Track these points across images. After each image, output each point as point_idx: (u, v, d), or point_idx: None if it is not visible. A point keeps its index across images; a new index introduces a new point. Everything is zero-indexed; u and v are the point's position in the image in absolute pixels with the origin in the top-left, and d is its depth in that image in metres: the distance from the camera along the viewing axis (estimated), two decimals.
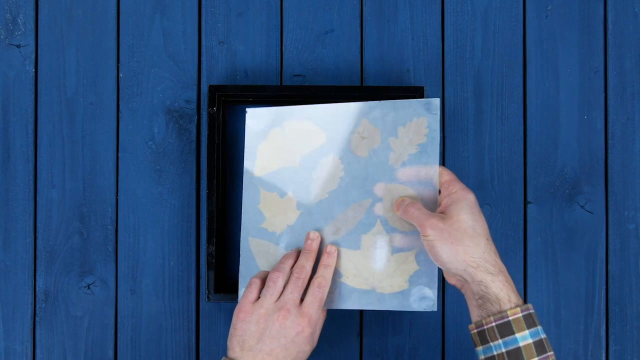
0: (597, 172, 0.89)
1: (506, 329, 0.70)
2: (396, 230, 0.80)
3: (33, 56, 0.89)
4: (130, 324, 0.88)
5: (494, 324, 0.71)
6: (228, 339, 0.76)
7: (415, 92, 0.84)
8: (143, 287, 0.88)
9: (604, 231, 0.89)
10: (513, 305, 0.71)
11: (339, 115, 0.82)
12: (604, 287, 0.89)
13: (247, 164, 0.83)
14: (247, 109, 0.83)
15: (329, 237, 0.82)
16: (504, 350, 0.70)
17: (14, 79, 0.89)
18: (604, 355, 0.89)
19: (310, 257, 0.79)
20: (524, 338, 0.70)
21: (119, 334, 0.88)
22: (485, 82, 0.90)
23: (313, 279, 0.78)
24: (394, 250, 0.80)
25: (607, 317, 0.89)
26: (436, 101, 0.80)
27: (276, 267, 0.78)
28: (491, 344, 0.71)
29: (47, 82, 0.89)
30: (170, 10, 0.90)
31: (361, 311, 0.88)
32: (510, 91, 0.90)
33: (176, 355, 0.88)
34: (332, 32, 0.90)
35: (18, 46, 0.89)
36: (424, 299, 0.79)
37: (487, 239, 0.74)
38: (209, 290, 0.84)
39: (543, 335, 0.71)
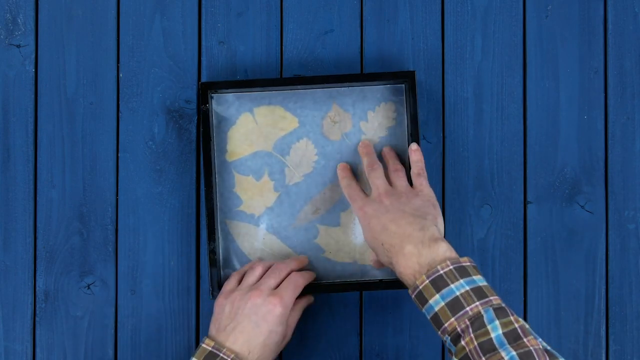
0: (597, 172, 0.89)
1: (421, 298, 0.72)
2: None
3: (33, 56, 0.90)
4: (130, 324, 0.88)
5: (413, 295, 0.74)
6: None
7: (407, 77, 0.84)
8: (143, 287, 0.88)
9: (604, 231, 0.89)
10: (418, 276, 0.73)
11: (309, 100, 0.86)
12: (604, 287, 0.89)
13: (218, 149, 0.86)
14: (213, 95, 0.85)
15: (308, 217, 0.86)
16: (428, 317, 0.73)
17: (14, 79, 0.89)
18: (604, 355, 0.89)
19: (295, 263, 0.84)
20: (436, 303, 0.71)
21: (119, 334, 0.88)
22: (485, 82, 0.90)
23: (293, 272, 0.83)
24: None
25: (607, 317, 0.89)
26: (401, 87, 0.86)
27: (258, 261, 0.84)
28: (422, 310, 0.73)
29: (47, 82, 0.89)
30: (170, 10, 0.90)
31: (361, 311, 0.88)
32: (510, 91, 0.90)
33: (176, 355, 0.88)
34: (332, 32, 0.90)
35: (18, 46, 0.90)
36: None
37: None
38: (212, 288, 0.84)
39: (459, 291, 0.70)
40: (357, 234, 0.86)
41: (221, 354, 0.75)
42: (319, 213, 0.86)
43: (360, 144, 0.85)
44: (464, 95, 0.89)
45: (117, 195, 0.89)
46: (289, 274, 0.82)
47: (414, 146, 0.83)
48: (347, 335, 0.88)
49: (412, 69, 0.89)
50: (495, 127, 0.89)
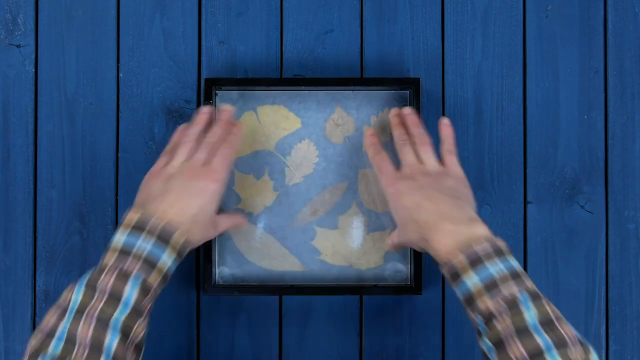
0: (597, 172, 0.89)
1: (454, 276, 0.72)
2: (371, 211, 0.86)
3: (33, 56, 0.90)
4: None
5: (446, 272, 0.73)
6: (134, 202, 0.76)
7: (411, 84, 0.84)
8: None
9: (604, 231, 0.89)
10: (454, 253, 0.72)
11: (313, 102, 0.86)
12: (604, 287, 0.89)
13: None
14: (218, 92, 0.85)
15: (306, 218, 0.86)
16: (461, 295, 0.72)
17: (14, 79, 0.89)
18: (604, 355, 0.89)
19: (222, 125, 0.81)
20: (472, 282, 0.70)
21: None
22: (485, 82, 0.90)
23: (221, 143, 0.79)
24: (370, 229, 0.86)
25: (607, 317, 0.89)
26: (405, 93, 0.86)
27: (187, 133, 0.79)
28: (453, 288, 0.73)
29: (47, 82, 0.89)
30: (170, 10, 0.90)
31: (361, 311, 0.88)
32: (510, 91, 0.90)
33: (176, 354, 0.88)
34: (332, 32, 0.90)
35: (18, 46, 0.90)
36: (398, 273, 0.87)
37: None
38: (206, 284, 0.84)
39: (496, 272, 0.69)
40: (354, 238, 0.86)
41: (152, 220, 0.71)
42: (317, 215, 0.86)
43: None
44: (464, 95, 0.89)
45: (117, 195, 0.89)
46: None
47: (444, 120, 0.83)
48: (347, 335, 0.88)
49: (412, 69, 0.89)
50: (495, 127, 0.89)
